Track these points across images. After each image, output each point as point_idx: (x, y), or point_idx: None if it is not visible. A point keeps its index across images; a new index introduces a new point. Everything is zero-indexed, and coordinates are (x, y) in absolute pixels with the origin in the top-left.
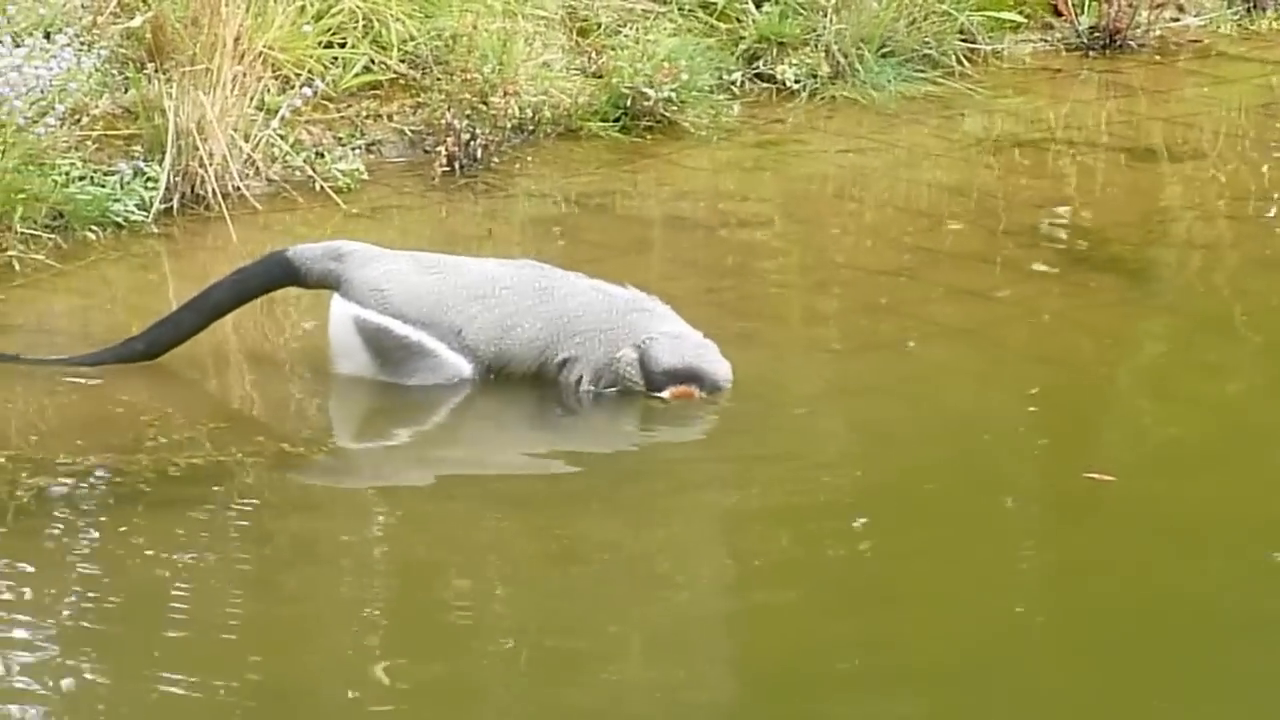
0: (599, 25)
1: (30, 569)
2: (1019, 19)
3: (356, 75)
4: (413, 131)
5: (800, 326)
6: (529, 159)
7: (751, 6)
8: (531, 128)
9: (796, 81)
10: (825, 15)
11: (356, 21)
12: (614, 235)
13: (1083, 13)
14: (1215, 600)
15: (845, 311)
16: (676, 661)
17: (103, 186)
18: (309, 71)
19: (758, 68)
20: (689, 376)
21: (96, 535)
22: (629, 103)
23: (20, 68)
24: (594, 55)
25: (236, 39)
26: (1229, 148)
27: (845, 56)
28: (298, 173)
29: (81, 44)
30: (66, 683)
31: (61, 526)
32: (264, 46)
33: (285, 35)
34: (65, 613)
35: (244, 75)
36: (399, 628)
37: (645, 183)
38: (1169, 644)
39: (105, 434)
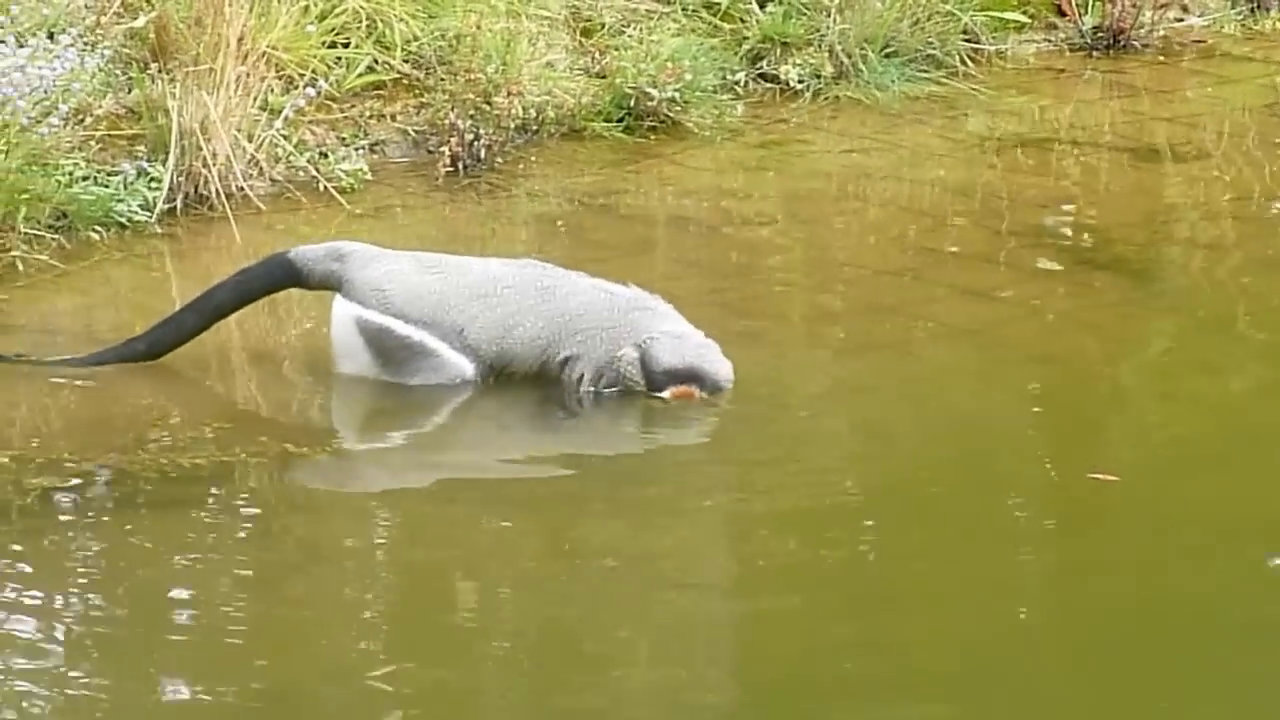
0: (602, 25)
1: (33, 570)
2: (1023, 19)
3: (360, 75)
4: (416, 132)
5: (803, 326)
6: (532, 159)
7: (755, 6)
8: (535, 128)
9: (800, 81)
10: (829, 15)
11: (360, 21)
12: (617, 235)
13: (1086, 13)
14: (1218, 603)
15: (848, 311)
16: (679, 664)
17: (106, 187)
18: (312, 72)
19: (761, 68)
20: (690, 377)
21: (100, 536)
22: (632, 103)
23: (24, 68)
24: (597, 55)
25: (240, 39)
26: (1233, 148)
27: (849, 56)
28: (301, 173)
29: (85, 44)
30: (68, 685)
31: (65, 527)
32: (267, 46)
33: (289, 35)
34: (68, 614)
35: (247, 75)
36: (402, 630)
37: (648, 183)
38: (1172, 647)
39: (108, 435)
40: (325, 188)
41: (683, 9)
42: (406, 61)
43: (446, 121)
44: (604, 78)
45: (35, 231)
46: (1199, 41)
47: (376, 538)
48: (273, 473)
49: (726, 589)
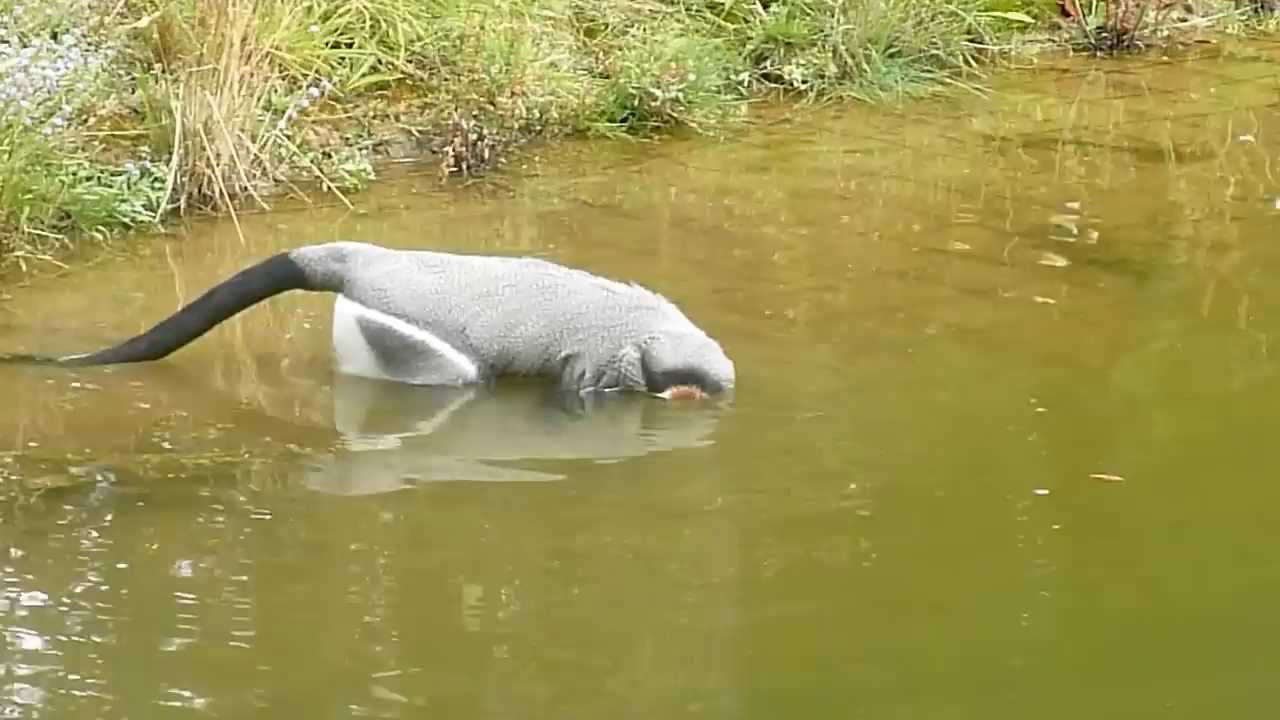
0: (606, 25)
1: (37, 570)
2: (1026, 19)
3: (364, 75)
4: (420, 132)
5: (807, 326)
6: (536, 159)
7: (759, 7)
8: (539, 128)
9: (804, 82)
10: (833, 15)
11: (364, 22)
12: (621, 235)
13: (1090, 13)
14: (1225, 608)
15: (852, 311)
16: (685, 670)
17: (110, 187)
18: (316, 72)
19: (765, 68)
20: (690, 377)
21: (103, 537)
22: (636, 103)
23: (27, 68)
24: (601, 56)
25: (244, 39)
26: (1237, 148)
27: (853, 57)
28: (305, 173)
29: (88, 44)
30: (70, 688)
31: (68, 528)
32: (271, 47)
33: (292, 35)
34: (70, 616)
35: (251, 75)
36: (405, 635)
37: (652, 183)
38: (1180, 653)
39: (112, 435)
40: (329, 188)
41: (686, 9)
42: (410, 62)
43: (450, 122)
44: (608, 78)
45: (39, 232)
46: (1203, 41)
47: (380, 540)
48: (276, 474)
49: (731, 593)
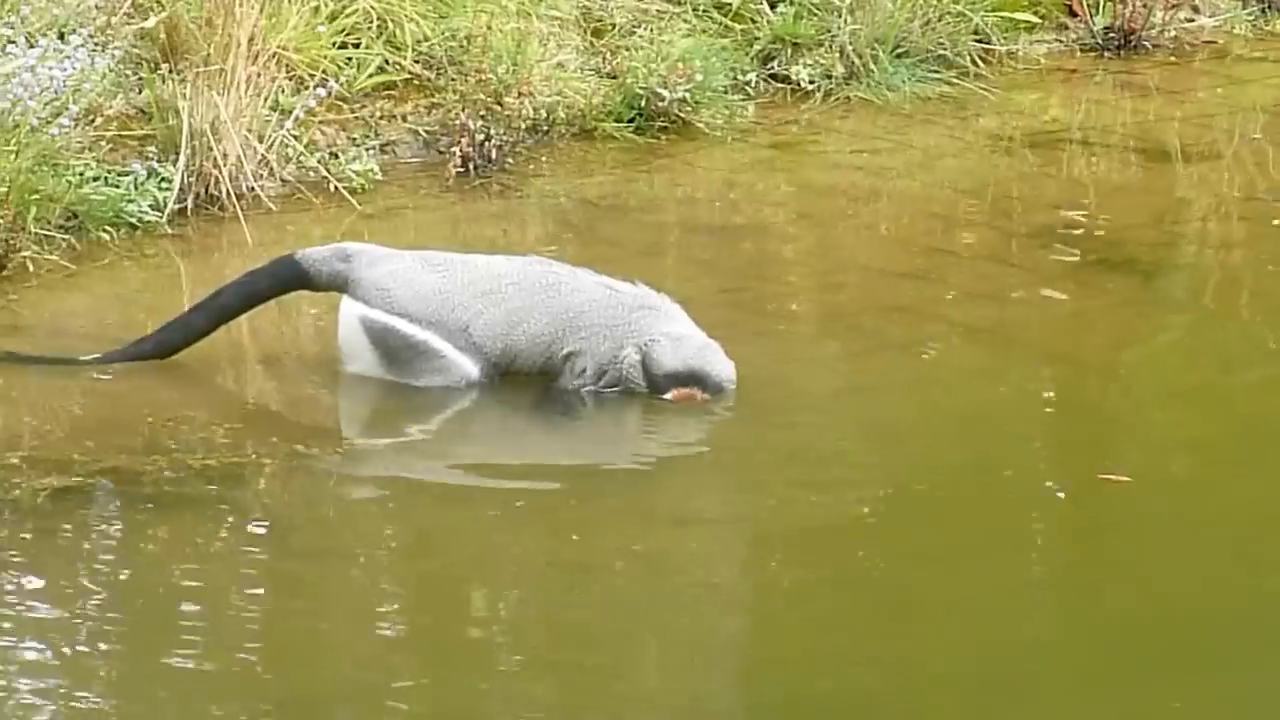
0: (613, 26)
1: (44, 570)
2: (1034, 19)
3: (371, 76)
4: (427, 132)
5: (814, 326)
6: (543, 160)
7: (766, 7)
8: (546, 128)
9: (811, 82)
10: (840, 16)
11: (371, 22)
12: (628, 236)
13: (1097, 13)
14: (1232, 607)
15: (859, 312)
16: (687, 674)
17: (117, 187)
18: (323, 72)
19: (772, 68)
20: (691, 379)
21: (109, 538)
22: (643, 103)
23: (34, 68)
24: (608, 56)
25: (251, 39)
26: (1244, 148)
27: (860, 57)
28: (312, 173)
29: (95, 45)
30: (75, 691)
31: (75, 528)
32: (278, 47)
33: (299, 36)
34: (76, 617)
35: (258, 76)
36: (411, 640)
37: (659, 183)
38: (1186, 656)
39: (118, 435)
40: (336, 188)
41: (693, 9)
42: (417, 62)
43: (457, 122)
44: (615, 78)
45: (46, 232)
46: (1210, 42)
47: (386, 543)
48: (282, 474)
49: (735, 595)
